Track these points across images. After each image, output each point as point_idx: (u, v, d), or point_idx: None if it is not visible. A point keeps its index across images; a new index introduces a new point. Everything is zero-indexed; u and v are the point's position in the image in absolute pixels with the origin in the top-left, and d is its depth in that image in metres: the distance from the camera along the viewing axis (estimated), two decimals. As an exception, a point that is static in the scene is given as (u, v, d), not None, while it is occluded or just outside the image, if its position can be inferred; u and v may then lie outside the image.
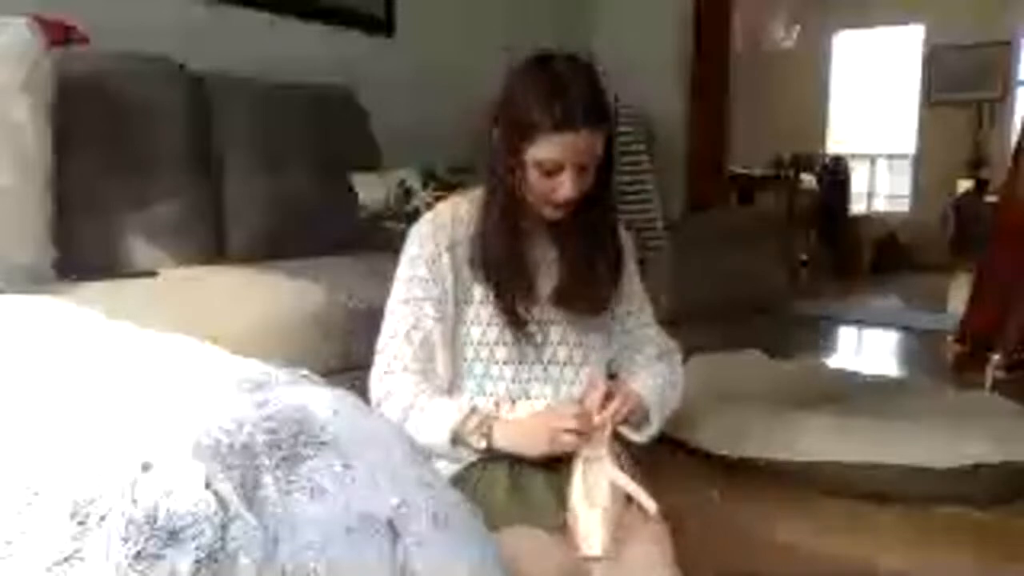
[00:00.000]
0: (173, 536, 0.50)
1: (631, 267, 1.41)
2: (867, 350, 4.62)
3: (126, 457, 0.54)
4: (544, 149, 1.16)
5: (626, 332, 1.41)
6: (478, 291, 1.27)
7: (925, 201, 7.68)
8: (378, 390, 1.24)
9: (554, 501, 1.21)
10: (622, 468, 1.20)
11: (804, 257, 6.36)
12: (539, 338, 1.29)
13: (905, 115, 8.04)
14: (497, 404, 1.27)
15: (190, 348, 0.81)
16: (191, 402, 0.64)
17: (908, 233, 7.23)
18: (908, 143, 8.09)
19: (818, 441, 2.08)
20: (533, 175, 1.19)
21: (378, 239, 2.36)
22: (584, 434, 1.18)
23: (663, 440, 2.15)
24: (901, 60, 8.03)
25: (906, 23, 7.76)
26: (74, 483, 0.51)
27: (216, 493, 0.53)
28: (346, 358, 1.71)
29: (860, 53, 8.23)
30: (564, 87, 1.16)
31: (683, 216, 3.91)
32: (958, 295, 4.13)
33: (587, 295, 1.30)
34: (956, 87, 7.54)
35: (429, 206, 1.73)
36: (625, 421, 1.27)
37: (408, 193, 2.56)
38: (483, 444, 1.20)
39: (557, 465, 1.21)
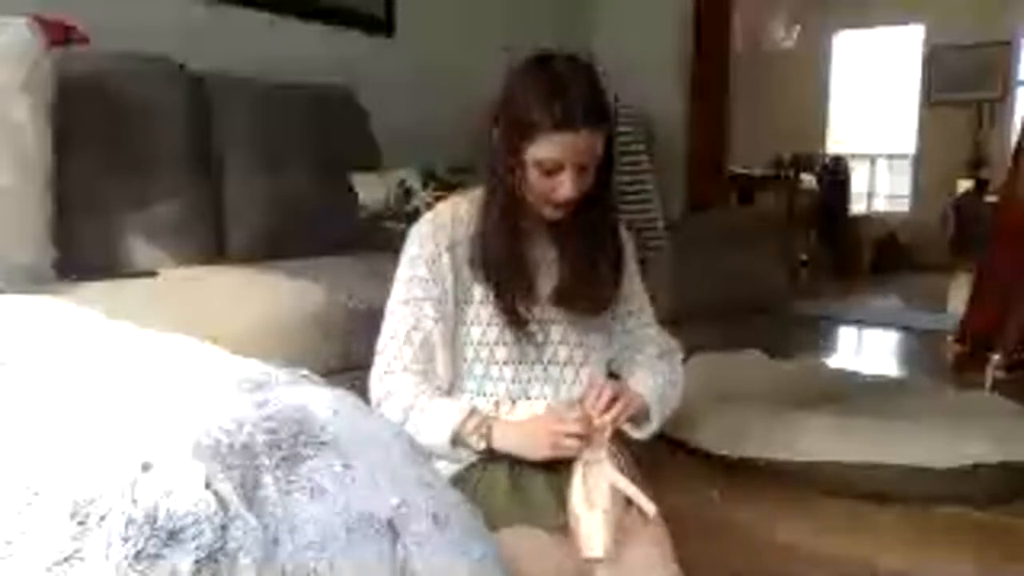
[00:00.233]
0: (173, 536, 0.50)
1: (632, 267, 1.41)
2: (867, 350, 4.62)
3: (126, 457, 0.54)
4: (544, 149, 1.16)
5: (627, 332, 1.41)
6: (478, 291, 1.27)
7: (925, 201, 7.68)
8: (378, 390, 1.24)
9: (554, 501, 1.20)
10: (622, 470, 1.20)
11: (804, 257, 6.36)
12: (539, 337, 1.28)
13: (905, 115, 8.04)
14: (497, 404, 1.27)
15: (190, 348, 0.81)
16: (191, 402, 0.64)
17: (908, 233, 7.23)
18: (908, 143, 8.09)
19: (818, 441, 2.08)
20: (533, 175, 1.19)
21: (378, 239, 2.36)
22: (586, 437, 1.18)
23: (662, 438, 2.16)
24: (901, 60, 8.03)
25: (906, 23, 7.76)
26: (74, 483, 0.51)
27: (216, 493, 0.53)
28: (346, 358, 1.71)
29: (860, 53, 8.23)
30: (564, 87, 1.16)
31: (683, 216, 3.91)
32: (958, 295, 4.13)
33: (588, 295, 1.30)
34: (956, 87, 7.54)
35: (429, 206, 1.73)
36: (626, 420, 1.27)
37: (408, 193, 2.56)
38: (482, 445, 1.20)
39: (557, 466, 1.21)
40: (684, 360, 1.47)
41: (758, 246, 3.66)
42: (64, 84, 1.81)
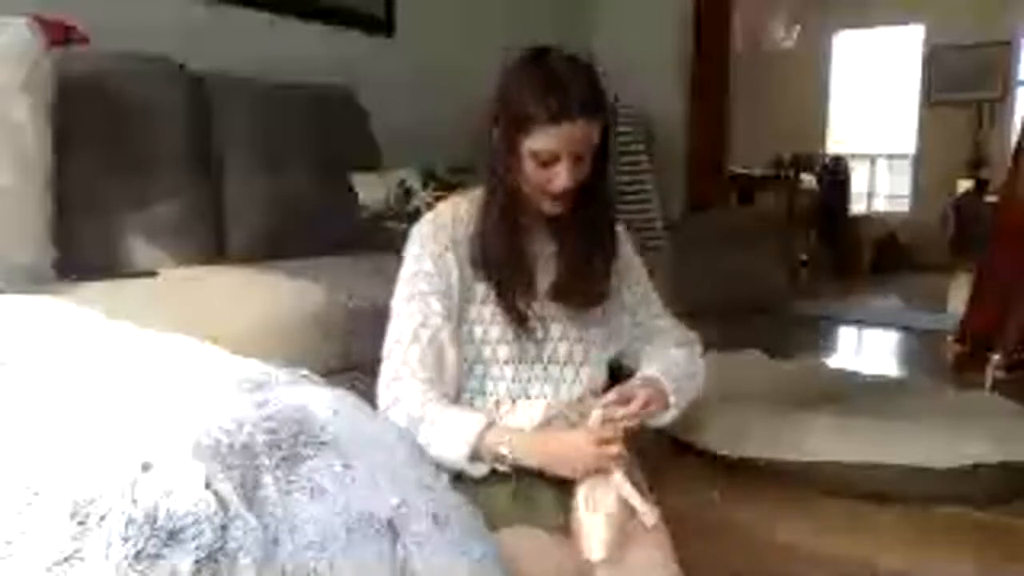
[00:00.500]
0: (173, 536, 0.50)
1: (636, 259, 1.42)
2: (867, 350, 4.62)
3: (126, 457, 0.54)
4: (540, 140, 1.17)
5: (637, 324, 1.41)
6: (480, 290, 1.27)
7: (925, 201, 7.68)
8: (386, 397, 1.21)
9: (554, 501, 1.21)
10: (630, 475, 1.20)
11: (804, 257, 6.36)
12: (540, 334, 1.28)
13: (905, 115, 8.04)
14: (497, 403, 1.27)
15: (190, 348, 0.81)
16: (191, 402, 0.64)
17: (908, 233, 7.23)
18: (908, 143, 8.09)
19: (818, 441, 2.08)
20: (529, 167, 1.19)
21: (378, 239, 2.36)
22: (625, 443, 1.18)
23: (668, 439, 2.16)
24: (901, 60, 8.02)
25: (906, 23, 7.76)
26: (74, 483, 0.51)
27: (216, 493, 0.53)
28: (346, 358, 1.71)
29: (860, 53, 8.23)
30: (559, 80, 1.16)
31: (683, 216, 3.91)
32: (958, 295, 4.13)
33: (583, 289, 1.30)
34: (956, 87, 7.53)
35: (429, 206, 1.73)
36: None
37: (408, 193, 2.56)
38: (507, 461, 1.17)
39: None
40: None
41: (758, 246, 3.67)
42: (64, 84, 1.81)
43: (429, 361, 1.21)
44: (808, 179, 6.86)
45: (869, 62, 8.22)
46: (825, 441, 2.08)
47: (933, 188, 7.56)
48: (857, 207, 7.75)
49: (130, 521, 0.49)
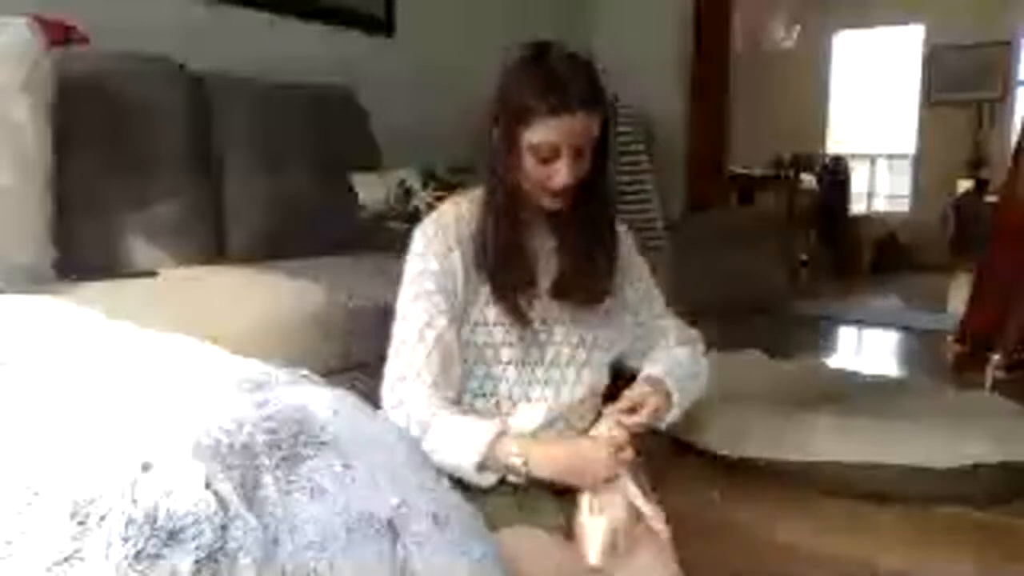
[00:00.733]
0: (173, 536, 0.50)
1: (637, 259, 1.41)
2: (867, 350, 4.62)
3: (126, 457, 0.54)
4: (540, 132, 1.16)
5: (639, 324, 1.41)
6: (484, 291, 1.27)
7: (925, 201, 7.68)
8: (390, 398, 1.20)
9: (554, 501, 1.21)
10: (635, 479, 1.20)
11: (804, 257, 6.36)
12: (543, 336, 1.28)
13: (905, 115, 8.04)
14: (498, 405, 1.27)
15: (190, 348, 0.81)
16: (191, 402, 0.64)
17: (908, 233, 7.23)
18: (908, 143, 8.09)
19: (818, 441, 2.08)
20: (530, 163, 1.19)
21: (378, 239, 2.36)
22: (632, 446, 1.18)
23: (662, 434, 2.16)
24: (901, 60, 8.02)
25: (906, 23, 7.76)
26: (74, 483, 0.51)
27: (216, 493, 0.53)
28: (346, 358, 1.71)
29: (860, 53, 8.23)
30: (559, 76, 1.16)
31: (683, 216, 3.91)
32: (958, 295, 4.13)
33: (585, 286, 1.30)
34: (956, 87, 7.53)
35: (429, 206, 1.73)
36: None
37: (408, 193, 2.56)
38: (522, 472, 1.16)
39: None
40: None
41: (758, 246, 3.67)
42: (64, 84, 1.81)
43: (435, 361, 1.20)
44: (808, 179, 6.87)
45: (869, 62, 8.22)
46: (825, 441, 2.08)
47: (933, 188, 7.56)
48: (857, 207, 7.75)
49: (130, 521, 0.49)
